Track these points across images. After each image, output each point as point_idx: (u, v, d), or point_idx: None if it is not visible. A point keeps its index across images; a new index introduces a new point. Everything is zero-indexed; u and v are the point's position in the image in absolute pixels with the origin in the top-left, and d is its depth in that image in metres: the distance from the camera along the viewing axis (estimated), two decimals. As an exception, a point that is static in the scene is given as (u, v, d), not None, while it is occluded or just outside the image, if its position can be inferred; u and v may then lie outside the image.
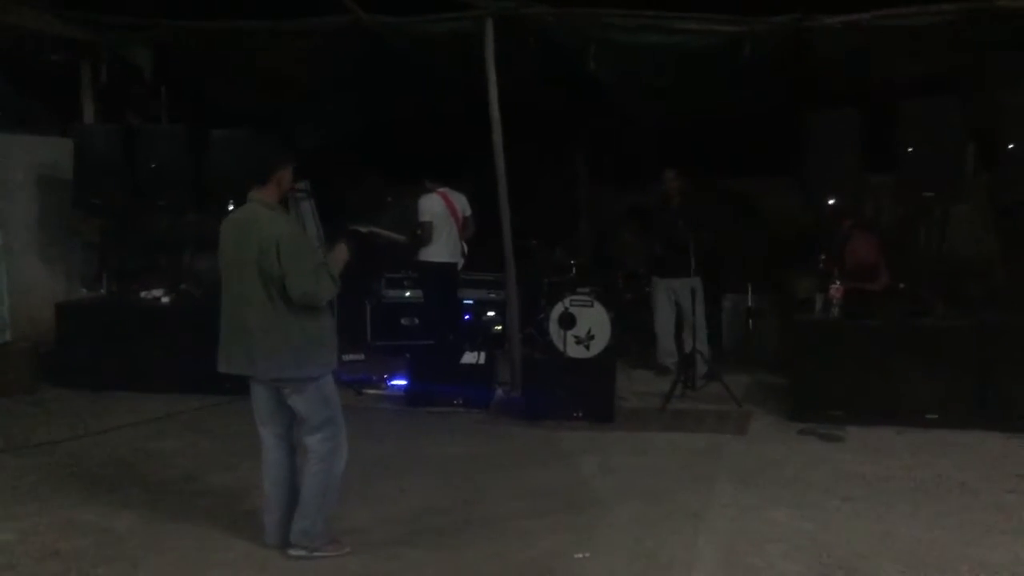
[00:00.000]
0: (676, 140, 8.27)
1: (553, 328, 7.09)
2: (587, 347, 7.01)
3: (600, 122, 8.82)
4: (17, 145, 7.99)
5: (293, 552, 4.23)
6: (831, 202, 6.98)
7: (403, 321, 9.01)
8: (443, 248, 7.86)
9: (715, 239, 7.81)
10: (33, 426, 6.44)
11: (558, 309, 7.09)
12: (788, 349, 7.05)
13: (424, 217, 7.77)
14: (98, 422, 6.49)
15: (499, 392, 7.24)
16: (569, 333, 6.96)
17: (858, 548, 4.28)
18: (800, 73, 7.23)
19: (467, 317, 8.93)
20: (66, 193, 7.95)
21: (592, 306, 7.09)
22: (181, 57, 8.13)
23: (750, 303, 8.06)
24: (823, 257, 6.97)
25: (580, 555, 4.25)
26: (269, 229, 4.06)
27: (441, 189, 7.90)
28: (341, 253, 4.27)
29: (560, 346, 6.97)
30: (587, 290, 7.33)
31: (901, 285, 6.90)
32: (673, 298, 7.80)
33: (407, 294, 9.04)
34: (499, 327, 8.83)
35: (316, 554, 4.21)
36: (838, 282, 6.54)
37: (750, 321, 7.99)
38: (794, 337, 6.79)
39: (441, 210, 7.84)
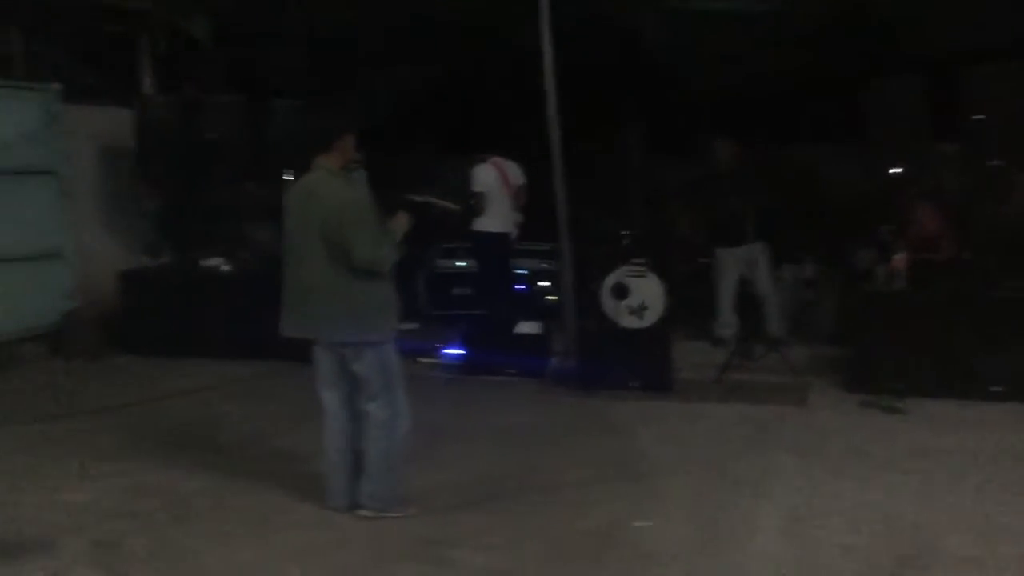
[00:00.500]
0: (733, 107, 8.13)
1: (606, 298, 7.06)
2: (640, 317, 6.97)
3: (655, 90, 8.69)
4: (80, 116, 8.13)
5: (361, 513, 4.30)
6: (895, 171, 6.83)
7: (456, 291, 9.04)
8: (496, 218, 7.85)
9: (772, 208, 7.69)
10: (101, 390, 6.62)
11: (611, 279, 7.05)
12: (849, 320, 6.94)
13: (477, 187, 7.77)
14: (163, 387, 6.66)
15: (553, 362, 7.26)
16: (622, 303, 6.94)
17: (924, 521, 4.22)
18: (863, 39, 7.05)
19: (521, 287, 8.93)
20: (128, 163, 8.10)
21: (646, 277, 7.04)
22: (238, 26, 8.18)
23: (808, 274, 7.94)
24: (886, 227, 6.83)
25: (640, 523, 4.26)
26: (334, 196, 4.11)
27: (494, 158, 7.88)
28: (402, 223, 4.29)
29: (613, 316, 6.95)
30: (641, 260, 7.27)
31: (966, 256, 6.73)
32: (739, 268, 7.74)
33: (461, 264, 9.06)
34: (553, 297, 8.82)
35: (382, 514, 4.27)
36: (902, 252, 6.41)
37: (808, 292, 7.87)
38: (856, 308, 6.68)
39: (494, 180, 7.83)
